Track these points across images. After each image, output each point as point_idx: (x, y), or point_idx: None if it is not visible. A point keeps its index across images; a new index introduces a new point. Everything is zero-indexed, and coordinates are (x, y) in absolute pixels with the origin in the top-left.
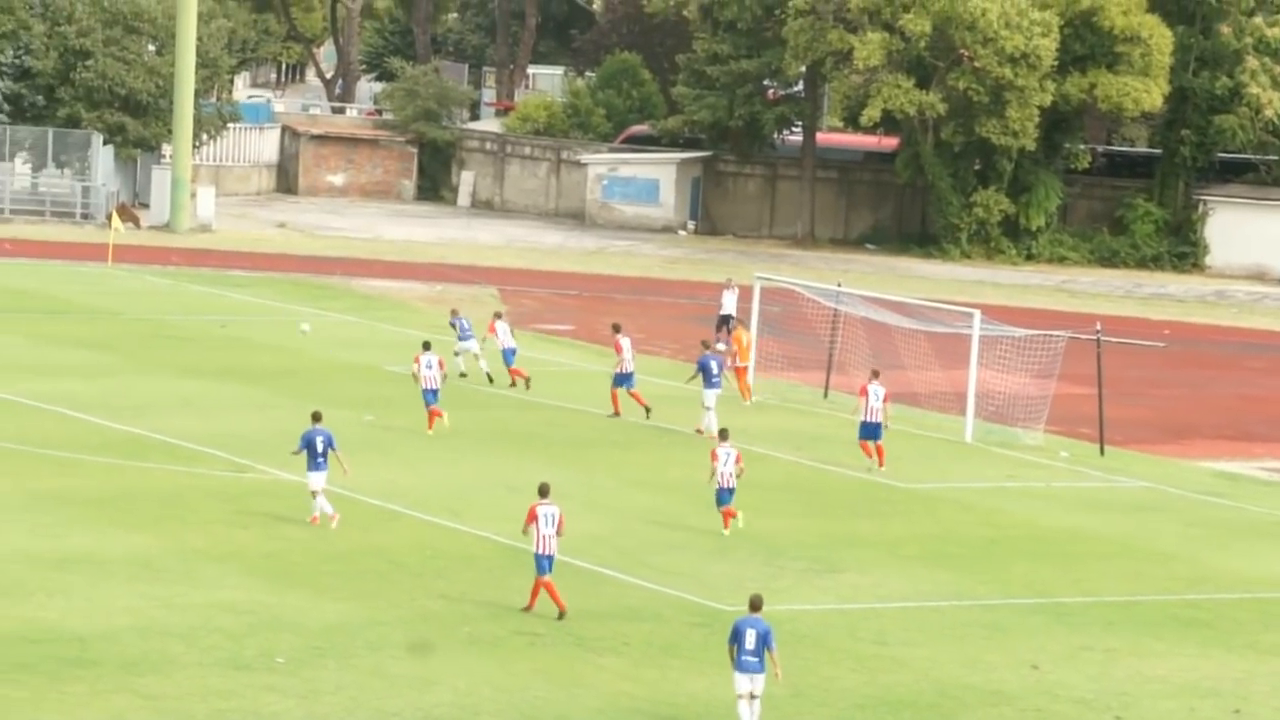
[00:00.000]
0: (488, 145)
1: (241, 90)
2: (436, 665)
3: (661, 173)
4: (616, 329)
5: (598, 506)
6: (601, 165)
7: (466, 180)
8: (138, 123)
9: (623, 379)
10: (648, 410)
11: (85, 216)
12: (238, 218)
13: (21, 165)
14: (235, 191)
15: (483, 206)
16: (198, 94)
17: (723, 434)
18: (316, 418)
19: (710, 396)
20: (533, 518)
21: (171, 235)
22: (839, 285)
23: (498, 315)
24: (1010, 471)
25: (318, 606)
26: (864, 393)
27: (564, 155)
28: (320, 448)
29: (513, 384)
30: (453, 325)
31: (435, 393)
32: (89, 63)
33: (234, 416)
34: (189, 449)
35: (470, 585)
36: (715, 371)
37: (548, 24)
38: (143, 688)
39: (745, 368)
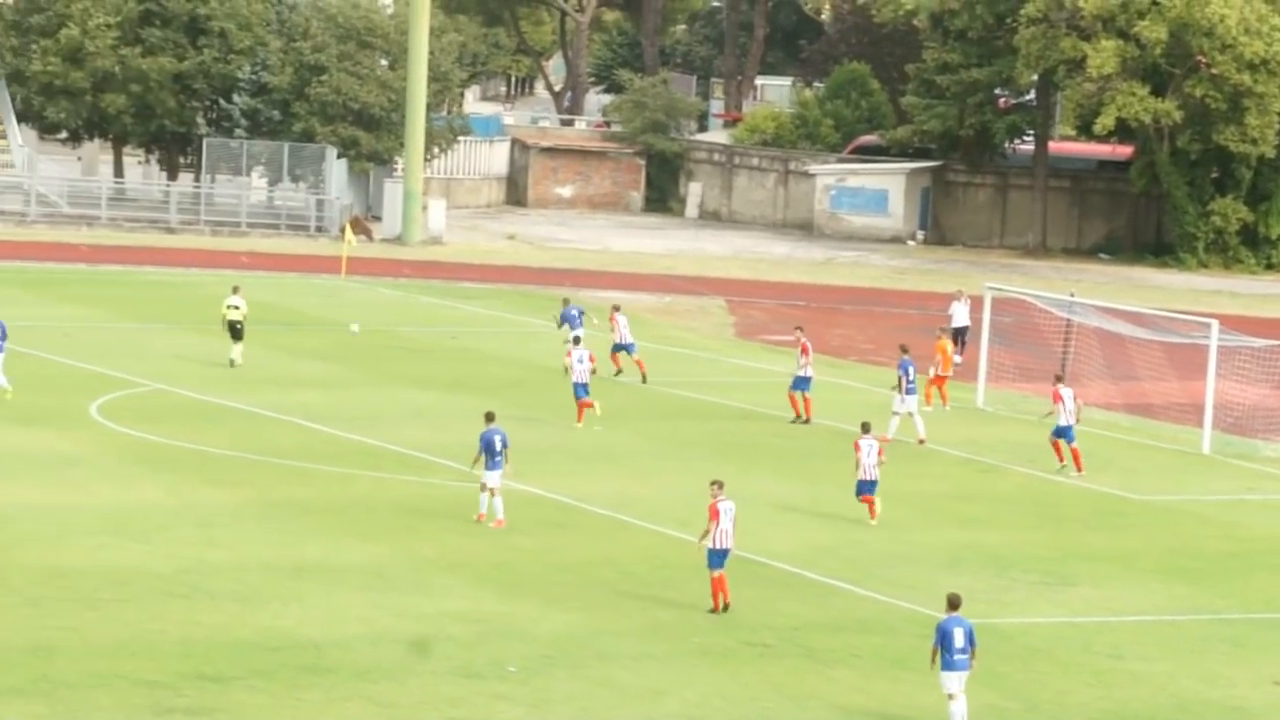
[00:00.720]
0: (715, 156)
1: (472, 103)
2: (666, 676)
3: (890, 183)
4: (800, 330)
5: (826, 518)
6: (830, 176)
7: (694, 191)
8: (370, 136)
9: (802, 382)
10: (798, 418)
11: (319, 229)
12: (468, 230)
13: (258, 179)
14: (465, 204)
15: (710, 217)
16: (429, 108)
17: (864, 426)
18: (490, 418)
19: (908, 402)
20: (715, 515)
21: (403, 247)
22: (1071, 295)
23: (616, 308)
24: (1250, 484)
25: (548, 616)
26: (1058, 397)
27: (792, 166)
28: (498, 446)
29: (617, 372)
30: (564, 318)
31: (585, 386)
32: (324, 78)
33: (465, 427)
34: (421, 459)
35: (699, 596)
36: (911, 377)
37: (776, 35)
38: (376, 695)
39: (946, 377)
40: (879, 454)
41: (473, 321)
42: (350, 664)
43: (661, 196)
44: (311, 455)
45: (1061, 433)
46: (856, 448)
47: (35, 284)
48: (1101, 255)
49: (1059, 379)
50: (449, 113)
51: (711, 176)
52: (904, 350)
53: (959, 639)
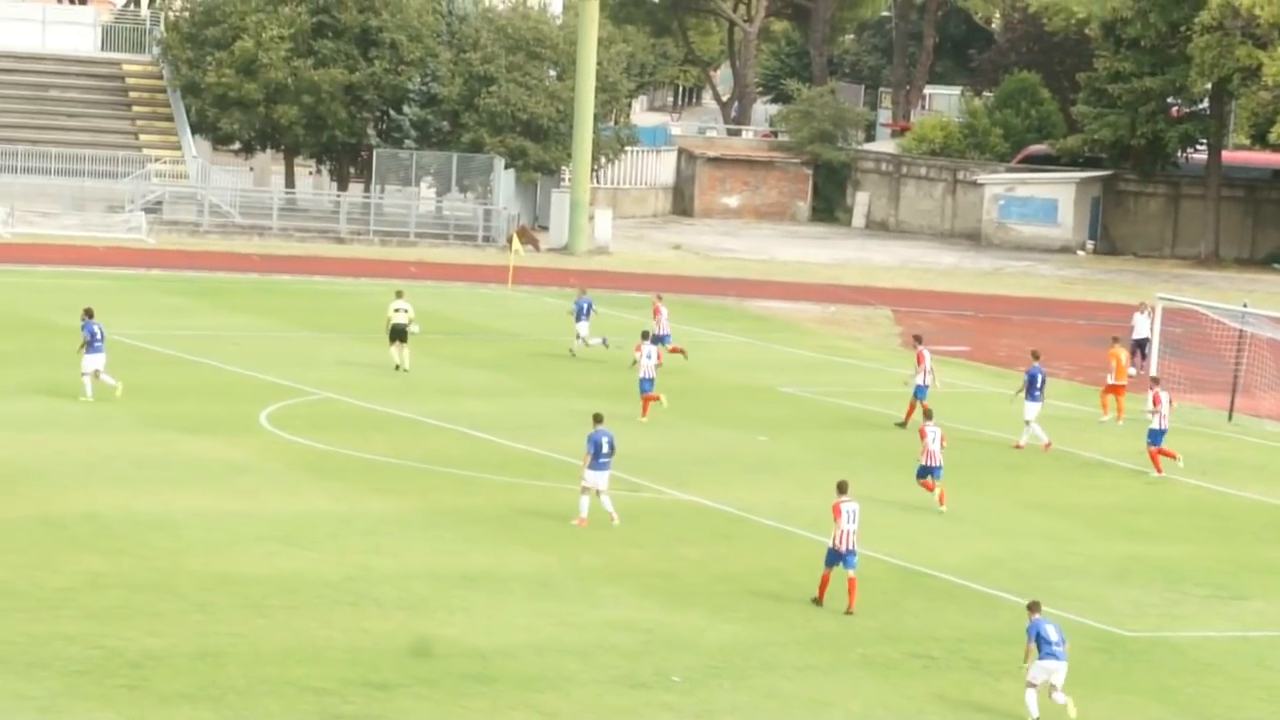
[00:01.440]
0: (883, 166)
1: (639, 114)
2: (830, 687)
3: (1060, 192)
4: (918, 340)
5: (993, 530)
6: (999, 185)
7: (861, 201)
8: (538, 147)
9: (921, 390)
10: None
11: (486, 239)
12: (634, 240)
13: (427, 189)
14: (632, 214)
15: (877, 227)
16: (597, 118)
17: (927, 413)
18: (598, 419)
19: (1031, 409)
20: (837, 513)
21: (570, 257)
22: (1245, 306)
23: (659, 297)
24: None
25: (713, 626)
26: (1157, 400)
27: (960, 175)
28: (606, 448)
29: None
30: (575, 306)
31: (651, 381)
32: (493, 89)
33: (629, 436)
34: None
35: (863, 606)
36: (1039, 384)
37: (945, 44)
38: (541, 704)
39: (1122, 386)
40: (941, 440)
41: (637, 331)
42: (515, 673)
43: (828, 206)
44: (477, 464)
45: (1154, 438)
46: (922, 434)
47: (207, 293)
48: (1276, 265)
49: (1156, 381)
50: (616, 123)
51: (879, 186)
52: (1035, 357)
53: (1053, 633)
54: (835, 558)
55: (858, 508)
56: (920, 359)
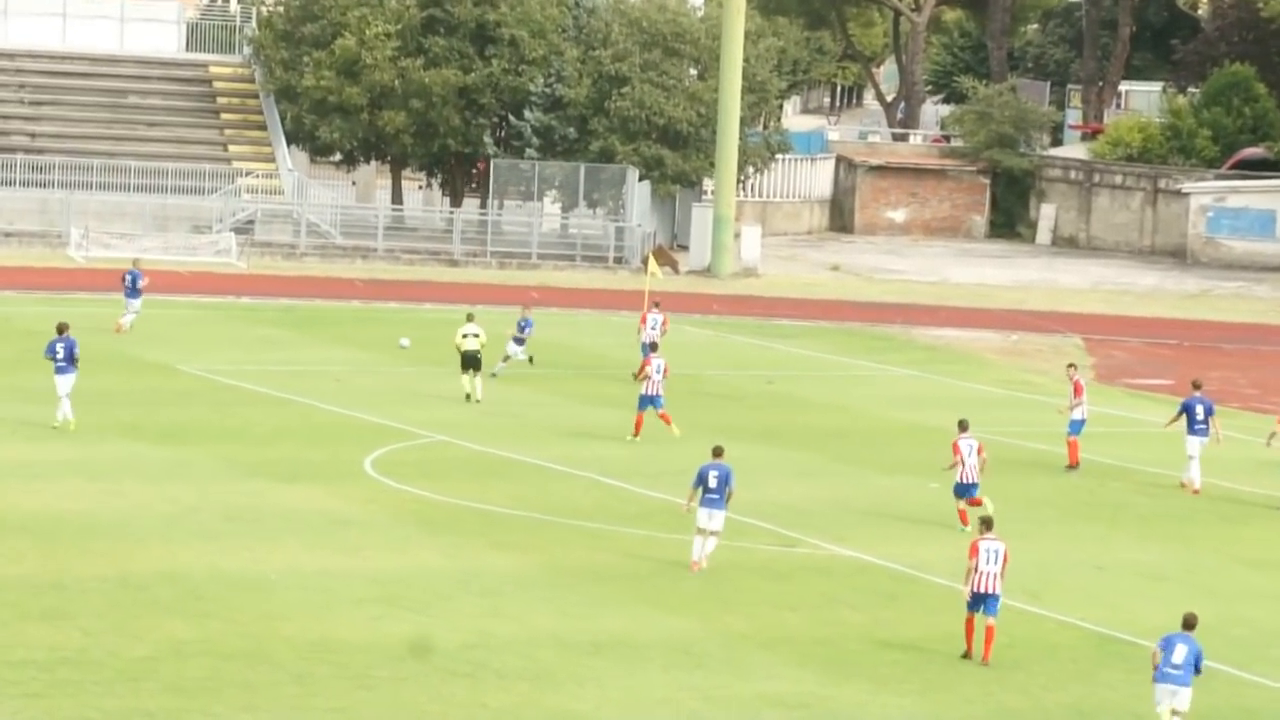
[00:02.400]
0: (1072, 174)
1: (791, 117)
2: None
3: (1279, 202)
4: (1073, 368)
5: (1205, 589)
6: (1206, 195)
7: (1047, 214)
8: (677, 156)
9: (1075, 425)
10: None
11: (619, 260)
12: (786, 260)
13: (551, 205)
14: (783, 230)
15: (1065, 244)
16: (743, 122)
17: (962, 425)
18: (718, 453)
19: (1193, 444)
20: (975, 553)
21: (712, 281)
22: None
23: (656, 304)
24: None
25: (877, 700)
26: None
27: (1162, 184)
28: (714, 483)
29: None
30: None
31: (652, 399)
32: (625, 90)
33: (781, 484)
34: (732, 520)
35: (1052, 678)
36: (1201, 417)
37: (1143, 34)
38: None
39: None
40: (979, 453)
41: (790, 364)
42: None
43: (1008, 220)
44: (609, 515)
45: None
46: (955, 449)
47: (305, 323)
48: None
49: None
50: (766, 128)
51: (1067, 197)
52: (1195, 386)
53: (1178, 654)
54: (976, 602)
55: (1003, 548)
56: (1078, 389)
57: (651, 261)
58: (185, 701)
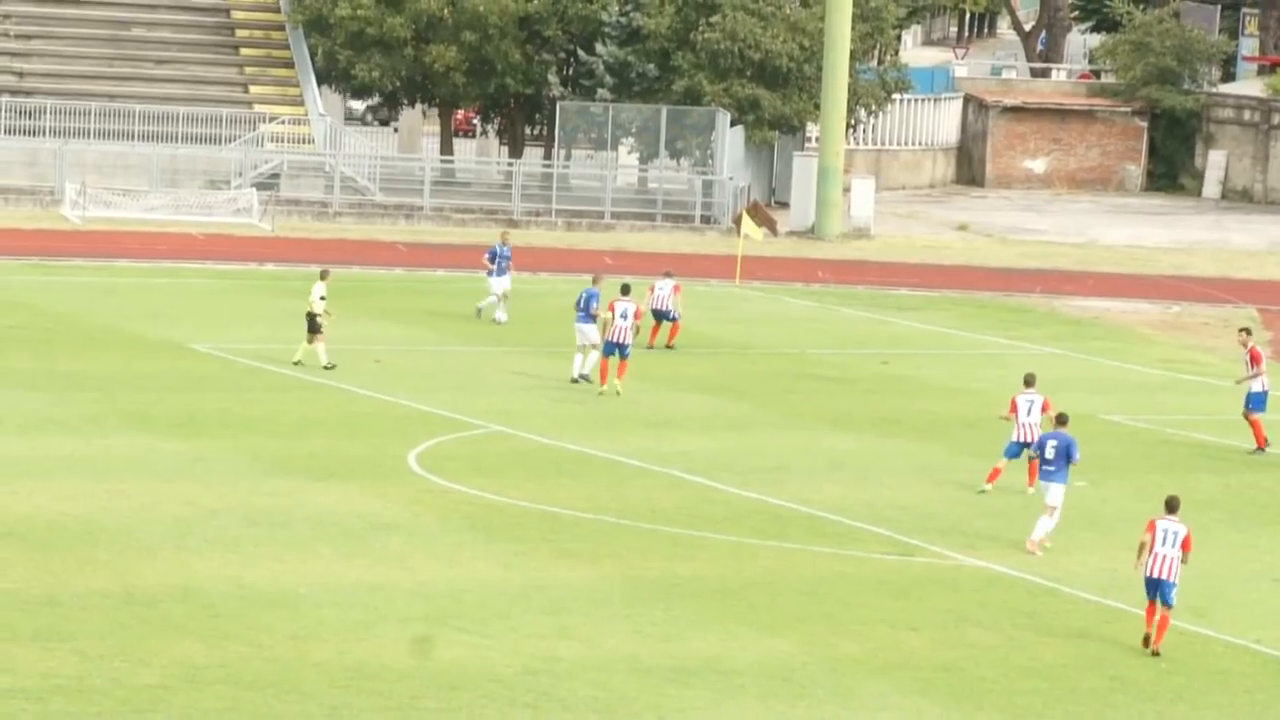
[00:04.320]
0: (1247, 115)
1: (911, 50)
2: None
3: None
4: (1247, 333)
5: None
6: None
7: (1216, 163)
8: (775, 96)
9: (1256, 400)
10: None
11: (706, 220)
12: (905, 218)
13: (627, 155)
14: (901, 184)
15: (1237, 197)
16: (854, 56)
17: (1027, 380)
18: (1061, 421)
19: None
20: (1151, 530)
21: (818, 243)
22: None
23: (667, 274)
24: None
25: None
26: (1257, 359)
27: None
28: (1051, 454)
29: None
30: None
31: (617, 346)
32: (715, 19)
33: (899, 482)
34: (840, 524)
35: (1221, 712)
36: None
37: None
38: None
39: None
40: (1045, 409)
41: (911, 341)
42: None
43: (1170, 170)
44: (696, 519)
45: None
46: (1013, 406)
47: (343, 294)
48: None
49: (1247, 331)
50: (881, 63)
51: (1240, 142)
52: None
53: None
54: (1153, 588)
55: (1184, 532)
56: (1255, 358)
57: (745, 220)
58: None
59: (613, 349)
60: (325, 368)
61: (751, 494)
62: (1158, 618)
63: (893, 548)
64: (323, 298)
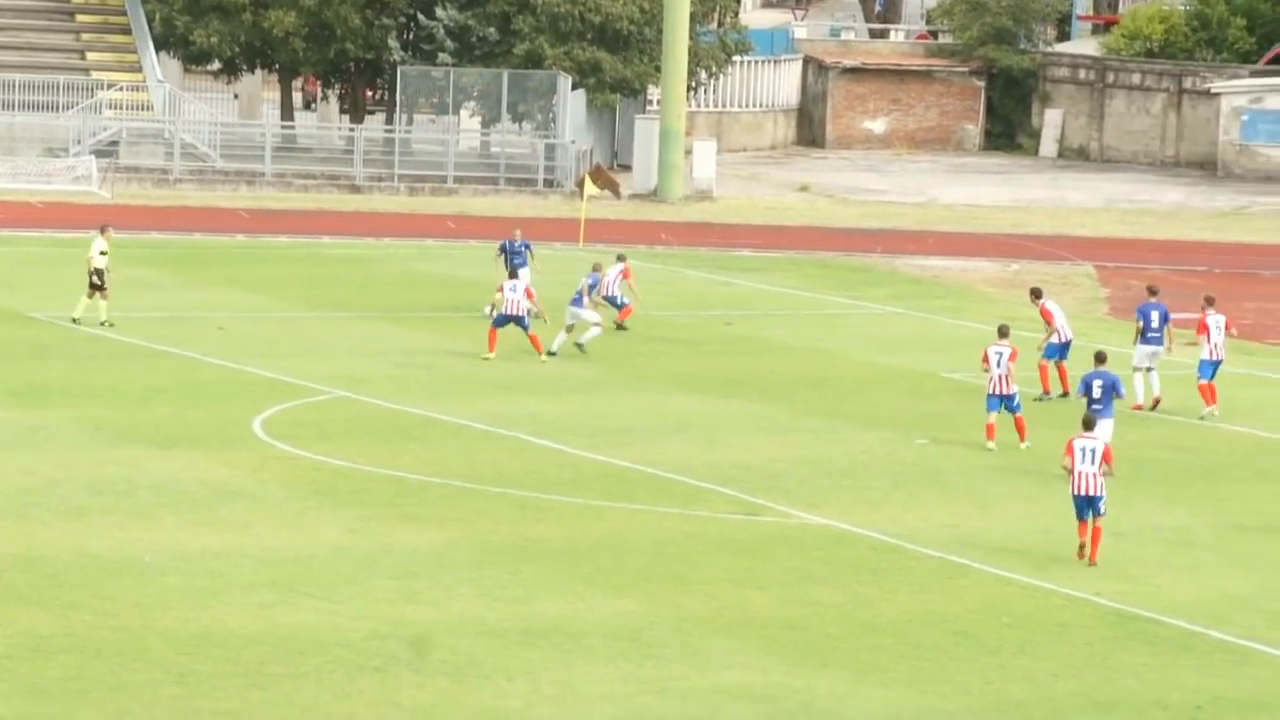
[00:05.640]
0: (1081, 74)
1: (750, 11)
2: None
3: None
4: (1210, 302)
5: (1239, 558)
6: (1241, 95)
7: (1052, 121)
8: (616, 59)
9: (1206, 367)
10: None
11: (549, 184)
12: (746, 180)
13: (469, 119)
14: (743, 146)
15: (1074, 156)
16: (695, 19)
17: (1001, 330)
18: (1101, 359)
19: (1141, 355)
20: (1069, 452)
21: (660, 205)
22: None
23: (620, 256)
24: None
25: (858, 692)
26: (1204, 328)
27: (1187, 84)
28: (1098, 393)
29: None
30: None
31: (517, 319)
32: None
33: (744, 442)
34: (686, 485)
35: (1063, 665)
36: (1155, 324)
37: None
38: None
39: None
40: (1012, 358)
41: (753, 302)
42: None
43: (1007, 130)
44: (543, 482)
45: (1203, 370)
46: (984, 358)
47: (180, 262)
48: None
49: (1210, 301)
50: (721, 25)
51: (1076, 101)
52: (1151, 292)
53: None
54: (1083, 505)
55: (1101, 446)
56: (1046, 317)
57: (588, 184)
58: (45, 706)
59: (505, 320)
60: (102, 324)
61: (598, 456)
62: (1090, 531)
63: (738, 507)
64: (103, 253)
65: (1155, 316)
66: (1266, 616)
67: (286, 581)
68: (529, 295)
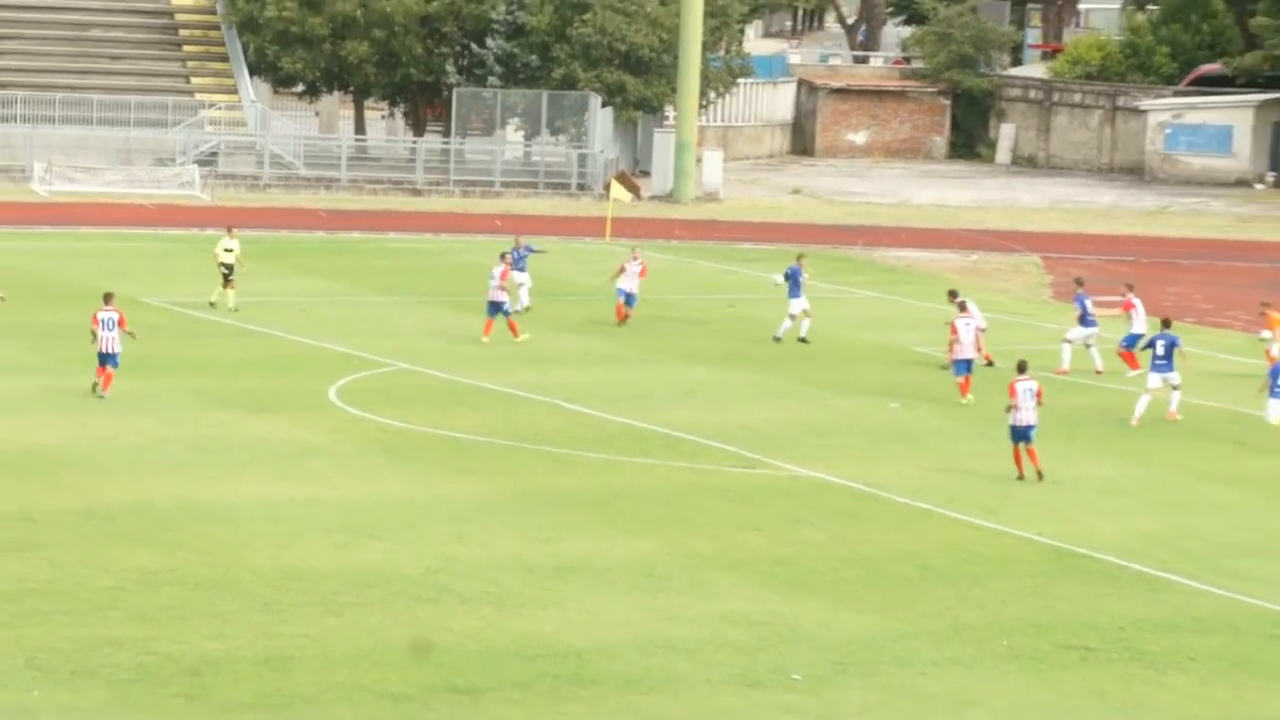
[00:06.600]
0: (1031, 93)
1: (753, 41)
2: (973, 683)
3: (1235, 118)
4: (1130, 288)
5: (1158, 503)
6: (1165, 111)
7: (1007, 134)
8: (639, 81)
9: (1130, 339)
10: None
11: (581, 187)
12: (748, 184)
13: (514, 133)
14: (745, 155)
15: (1025, 163)
16: (705, 47)
17: (961, 305)
18: (1166, 324)
19: (1074, 332)
20: (1013, 393)
21: (675, 206)
22: None
23: (635, 255)
24: None
25: (838, 618)
26: (1129, 306)
27: (1120, 102)
28: (1161, 350)
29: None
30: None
31: (498, 305)
32: (587, 16)
33: (744, 406)
34: (694, 443)
35: (1010, 594)
36: (1087, 310)
37: None
38: (646, 708)
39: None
40: (977, 332)
41: (753, 287)
42: (616, 674)
43: (968, 141)
44: (573, 440)
45: (1131, 341)
46: (952, 328)
47: (270, 255)
48: None
49: (1130, 287)
50: (727, 52)
51: (1026, 117)
52: (1079, 284)
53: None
54: (1017, 434)
55: (1036, 386)
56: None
57: (614, 187)
58: (154, 630)
59: (495, 309)
60: (232, 310)
61: (620, 418)
62: (1028, 454)
63: (738, 461)
64: (228, 249)
65: (1087, 304)
66: (1179, 552)
67: (357, 525)
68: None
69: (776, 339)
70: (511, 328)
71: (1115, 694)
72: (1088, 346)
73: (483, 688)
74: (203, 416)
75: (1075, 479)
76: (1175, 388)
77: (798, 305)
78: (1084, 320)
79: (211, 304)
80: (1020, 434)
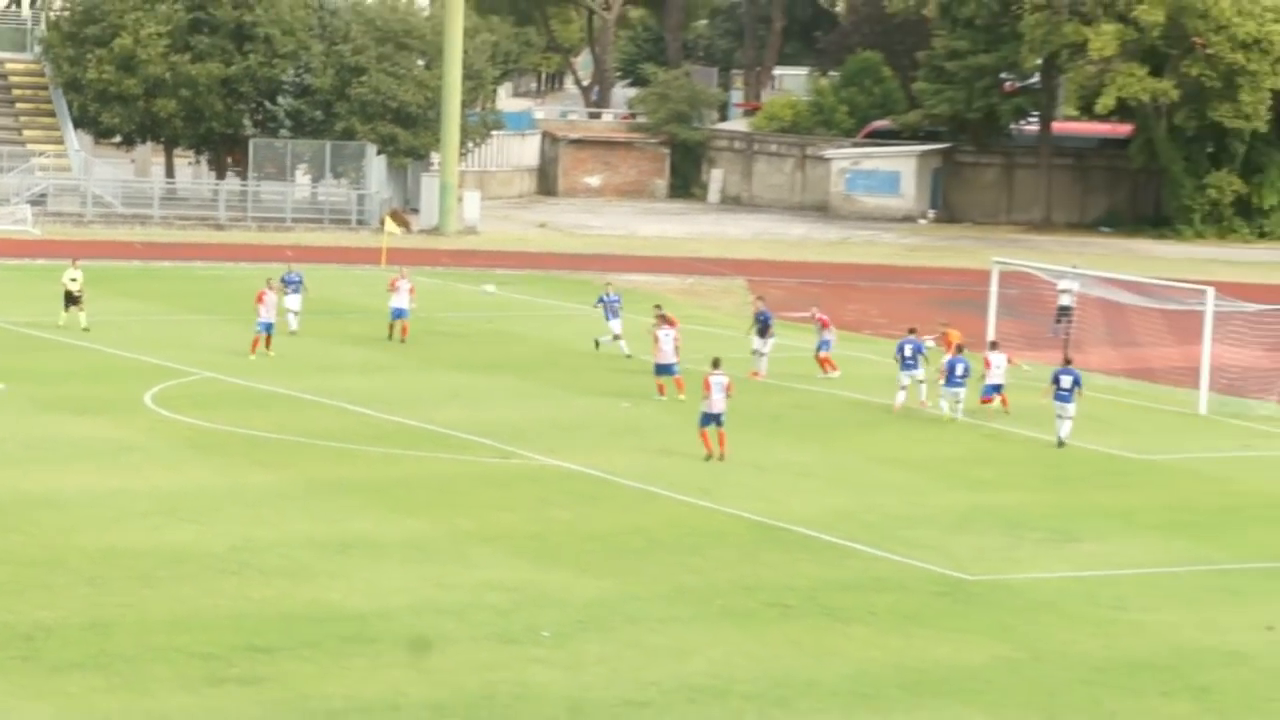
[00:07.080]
0: (736, 144)
1: (504, 99)
2: (692, 637)
3: (902, 165)
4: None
5: (844, 484)
6: (845, 160)
7: (716, 177)
8: (408, 133)
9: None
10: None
11: (360, 222)
12: (501, 219)
13: (302, 177)
14: (499, 195)
15: (731, 202)
16: (464, 104)
17: (663, 317)
18: (1069, 361)
19: (759, 343)
20: (707, 386)
21: (440, 237)
22: (1074, 267)
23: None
24: (1245, 442)
25: (580, 583)
26: (988, 364)
27: (808, 151)
28: (1066, 384)
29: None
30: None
31: (265, 325)
32: (363, 79)
33: (500, 406)
34: (459, 438)
35: (722, 561)
36: (909, 355)
37: (793, 27)
38: (419, 662)
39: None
40: (675, 340)
41: (506, 306)
42: (393, 633)
43: (685, 183)
44: (354, 437)
45: (991, 390)
46: (655, 337)
47: (92, 280)
48: (1103, 229)
49: (994, 345)
50: (482, 109)
51: (732, 163)
52: (911, 331)
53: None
54: (707, 420)
55: (726, 380)
56: (825, 324)
57: (388, 222)
58: None
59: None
60: (84, 329)
61: (395, 418)
62: (717, 438)
63: (496, 453)
64: (73, 279)
65: (908, 349)
66: (861, 525)
67: (169, 510)
68: (261, 300)
69: (596, 343)
70: (266, 342)
71: (810, 644)
72: (761, 355)
73: (279, 647)
74: (35, 419)
75: (776, 464)
76: (1068, 420)
77: (617, 326)
78: (764, 333)
79: (60, 325)
80: (710, 419)
